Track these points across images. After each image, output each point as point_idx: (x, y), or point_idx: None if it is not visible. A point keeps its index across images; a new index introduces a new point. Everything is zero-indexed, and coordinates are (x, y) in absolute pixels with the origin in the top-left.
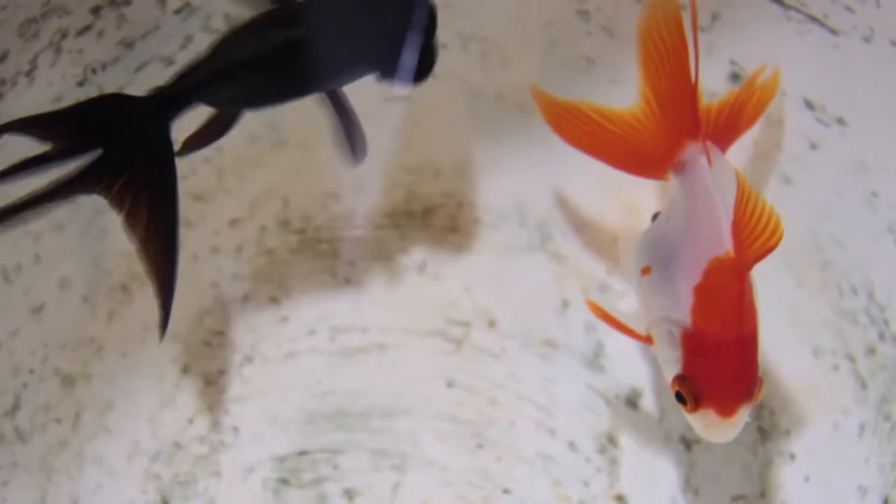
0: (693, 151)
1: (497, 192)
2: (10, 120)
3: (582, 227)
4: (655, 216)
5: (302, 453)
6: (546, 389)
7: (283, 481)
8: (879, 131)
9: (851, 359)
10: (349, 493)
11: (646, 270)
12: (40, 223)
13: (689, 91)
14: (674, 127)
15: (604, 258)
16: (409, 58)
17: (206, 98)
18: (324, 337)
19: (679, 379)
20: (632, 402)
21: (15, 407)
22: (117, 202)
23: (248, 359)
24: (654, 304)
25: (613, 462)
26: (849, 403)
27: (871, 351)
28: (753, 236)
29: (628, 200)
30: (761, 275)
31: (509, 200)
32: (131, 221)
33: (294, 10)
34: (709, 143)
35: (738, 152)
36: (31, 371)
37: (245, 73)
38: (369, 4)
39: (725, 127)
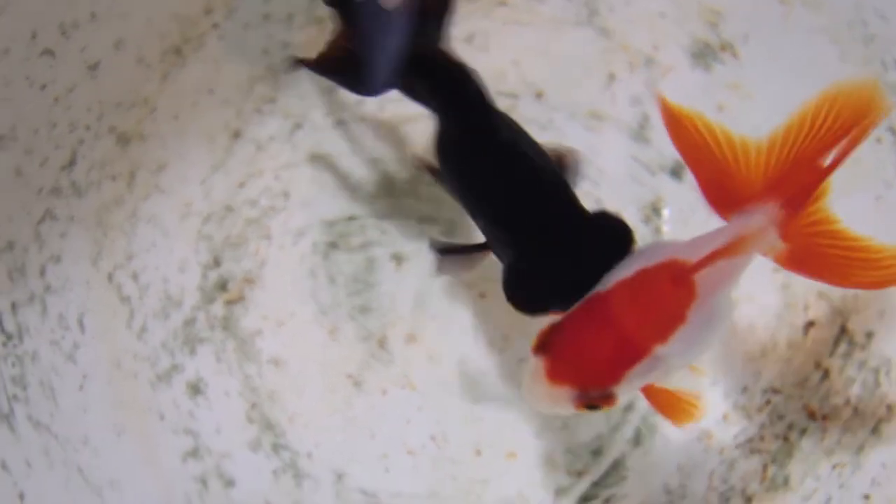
0: (759, 210)
1: None
2: None
3: (629, 2)
4: None
5: (351, 218)
6: (592, 160)
7: (333, 245)
8: None
9: (894, 131)
10: (397, 258)
11: None
12: None
13: (809, 177)
14: (770, 184)
15: (650, 33)
16: None
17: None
18: (373, 106)
19: (554, 323)
20: (676, 173)
21: (71, 162)
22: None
23: (298, 126)
24: None
25: (657, 232)
26: (891, 176)
27: None
28: None
29: None
30: (803, 48)
31: None
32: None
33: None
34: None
35: None
36: (88, 127)
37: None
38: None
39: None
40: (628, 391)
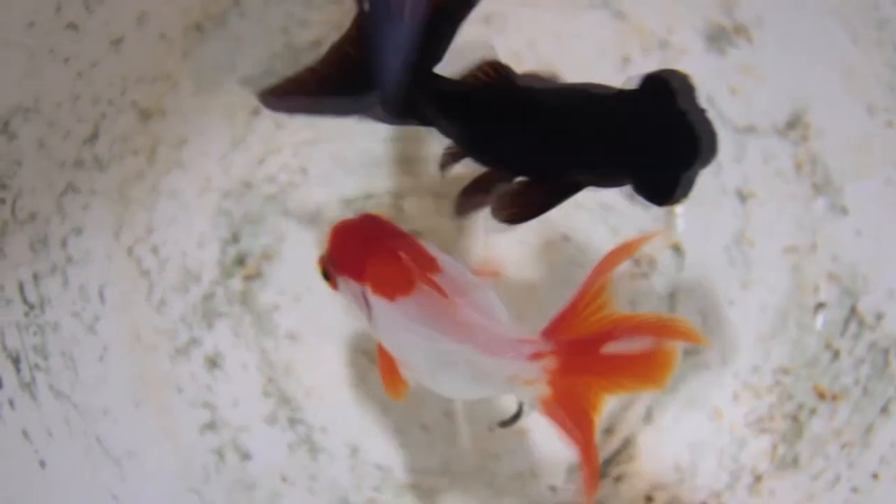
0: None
1: None
2: None
3: None
4: None
5: (368, 196)
6: None
7: None
8: None
9: None
10: (415, 235)
11: None
12: None
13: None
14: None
15: (665, 16)
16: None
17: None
18: None
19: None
20: None
21: (94, 135)
22: None
23: None
24: None
25: (669, 212)
26: None
27: None
28: None
29: None
30: (816, 32)
31: None
32: None
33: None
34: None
35: None
36: (110, 102)
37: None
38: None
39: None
40: (344, 292)
